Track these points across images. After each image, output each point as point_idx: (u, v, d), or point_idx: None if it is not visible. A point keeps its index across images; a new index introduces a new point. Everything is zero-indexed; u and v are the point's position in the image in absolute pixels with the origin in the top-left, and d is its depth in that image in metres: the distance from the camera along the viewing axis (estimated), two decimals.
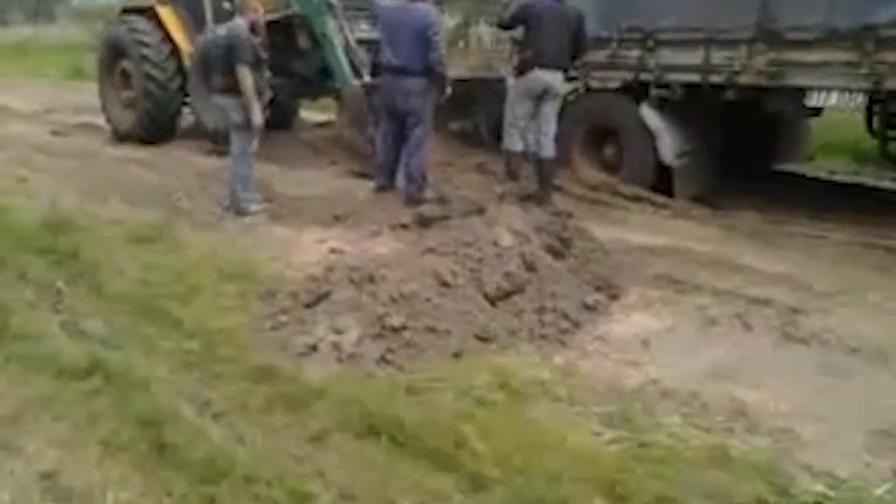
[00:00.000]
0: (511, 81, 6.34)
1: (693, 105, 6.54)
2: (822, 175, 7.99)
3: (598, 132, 7.04)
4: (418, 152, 6.06)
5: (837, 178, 7.93)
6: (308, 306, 4.26)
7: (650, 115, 6.53)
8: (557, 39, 5.94)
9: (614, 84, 6.81)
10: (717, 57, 5.95)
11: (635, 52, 6.48)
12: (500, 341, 3.95)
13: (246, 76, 6.04)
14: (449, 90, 6.12)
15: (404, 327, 3.93)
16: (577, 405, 3.29)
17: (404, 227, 5.79)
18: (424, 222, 5.75)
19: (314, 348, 3.89)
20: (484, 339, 3.96)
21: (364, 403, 3.23)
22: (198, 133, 9.60)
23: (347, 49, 7.41)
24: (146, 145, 9.40)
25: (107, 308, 4.67)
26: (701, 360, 3.71)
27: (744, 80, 5.86)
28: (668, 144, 6.48)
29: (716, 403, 3.27)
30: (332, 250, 5.57)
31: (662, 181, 6.64)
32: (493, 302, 4.24)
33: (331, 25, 7.52)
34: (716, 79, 6.05)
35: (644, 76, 6.50)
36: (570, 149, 7.01)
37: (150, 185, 7.69)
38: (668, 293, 4.53)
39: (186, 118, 9.95)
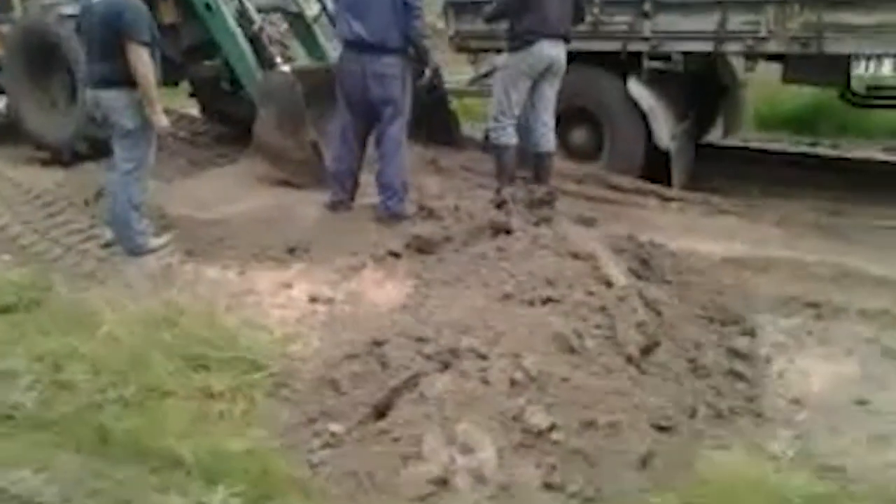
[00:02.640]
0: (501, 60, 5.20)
1: (681, 79, 5.79)
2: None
3: (566, 114, 6.07)
4: (397, 154, 4.75)
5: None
6: (382, 411, 2.92)
7: (641, 92, 5.68)
8: (561, 3, 4.88)
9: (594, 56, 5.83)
10: (736, 21, 5.20)
11: (625, 18, 5.57)
12: (685, 429, 2.90)
13: (145, 61, 4.40)
14: (429, 72, 4.86)
15: (553, 427, 2.76)
16: None
17: (395, 255, 4.51)
18: (423, 247, 4.52)
19: (443, 482, 2.60)
20: (664, 429, 2.88)
21: None
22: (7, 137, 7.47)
23: (245, 23, 5.84)
24: None
25: (23, 441, 3.03)
26: None
27: (771, 47, 5.17)
28: (664, 126, 5.67)
29: None
30: (313, 299, 4.16)
31: (652, 168, 5.84)
32: (638, 367, 3.16)
33: None
34: (734, 47, 5.31)
35: (635, 46, 5.61)
36: None
37: None
38: (808, 321, 3.71)
39: None
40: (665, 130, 5.68)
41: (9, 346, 3.69)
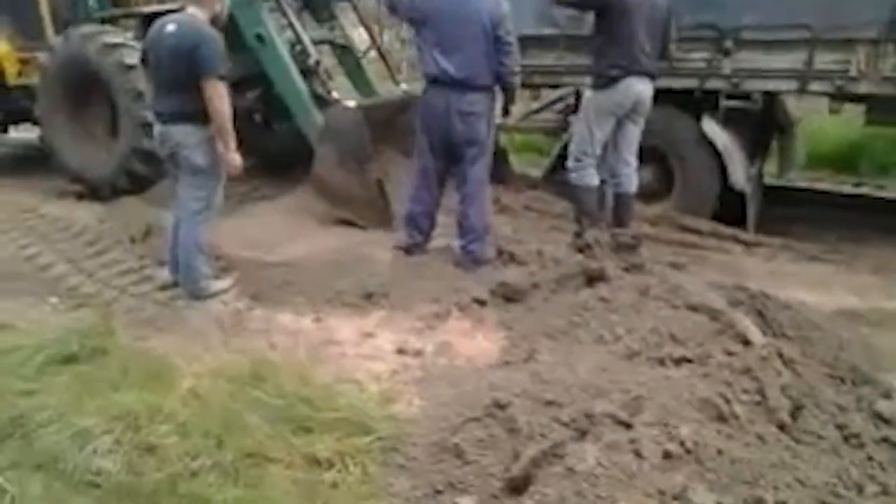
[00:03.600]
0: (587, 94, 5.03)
1: (754, 118, 5.64)
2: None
3: None
4: (480, 195, 4.54)
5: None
6: (518, 486, 2.66)
7: (716, 132, 5.50)
8: (649, 37, 4.70)
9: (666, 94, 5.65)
10: (824, 61, 5.05)
11: (702, 55, 5.41)
12: None
13: (222, 95, 4.19)
14: (513, 109, 4.67)
15: None
16: None
17: (481, 303, 4.27)
18: (509, 295, 4.28)
19: None
20: None
21: None
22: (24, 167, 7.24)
23: (299, 54, 5.65)
24: None
25: None
26: None
27: (861, 88, 5.01)
28: (739, 166, 5.49)
29: None
30: (401, 350, 3.91)
31: (724, 209, 5.66)
32: (791, 435, 2.92)
33: (269, 21, 5.69)
34: (820, 87, 5.15)
35: (712, 84, 5.45)
36: None
37: (3, 258, 5.42)
38: None
39: None
40: (741, 171, 5.50)
41: (78, 402, 3.41)
